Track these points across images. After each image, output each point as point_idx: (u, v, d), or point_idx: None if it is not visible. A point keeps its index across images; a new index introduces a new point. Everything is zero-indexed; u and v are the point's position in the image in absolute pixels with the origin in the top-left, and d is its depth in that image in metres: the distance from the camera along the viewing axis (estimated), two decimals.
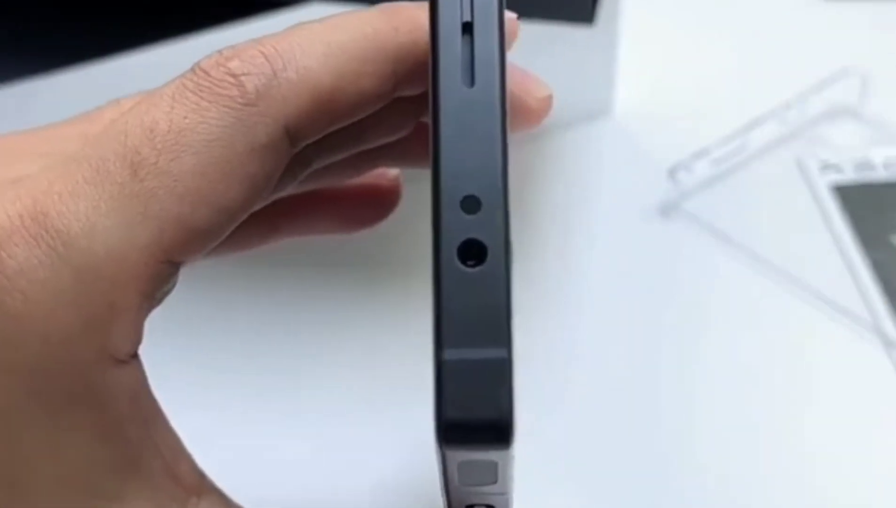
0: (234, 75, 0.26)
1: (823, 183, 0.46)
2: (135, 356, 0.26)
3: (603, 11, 0.43)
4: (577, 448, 0.37)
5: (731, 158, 0.47)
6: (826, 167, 0.47)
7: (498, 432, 0.22)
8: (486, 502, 0.25)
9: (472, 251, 0.23)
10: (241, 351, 0.42)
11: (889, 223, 0.45)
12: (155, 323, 0.27)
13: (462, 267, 0.23)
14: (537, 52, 0.41)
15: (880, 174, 0.46)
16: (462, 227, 0.23)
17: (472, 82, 0.24)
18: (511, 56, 0.32)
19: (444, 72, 0.24)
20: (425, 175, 0.31)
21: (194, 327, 0.42)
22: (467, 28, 0.24)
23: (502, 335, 0.22)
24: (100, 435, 0.26)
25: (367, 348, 0.41)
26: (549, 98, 0.29)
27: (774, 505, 0.36)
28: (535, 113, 0.29)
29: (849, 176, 0.47)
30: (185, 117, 0.25)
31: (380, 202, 0.34)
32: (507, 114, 0.24)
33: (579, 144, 0.49)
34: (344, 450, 0.38)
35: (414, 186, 0.42)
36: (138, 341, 0.26)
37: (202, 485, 0.27)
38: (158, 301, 0.27)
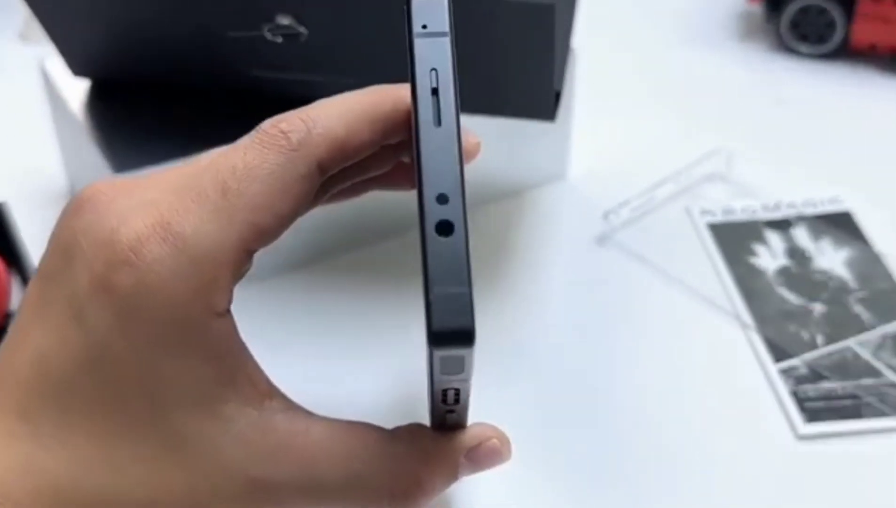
0: (283, 132, 0.29)
1: (702, 222, 0.53)
2: (228, 311, 0.30)
3: (561, 108, 0.45)
4: (527, 430, 0.39)
5: (644, 207, 0.53)
6: (704, 212, 0.53)
7: (466, 336, 0.25)
8: (455, 387, 0.29)
9: (444, 227, 0.26)
10: (302, 320, 0.47)
11: (744, 248, 0.51)
12: (241, 294, 0.30)
13: (439, 237, 0.26)
14: (514, 137, 0.51)
15: (739, 216, 0.53)
16: (438, 212, 0.26)
17: (439, 123, 0.27)
18: (495, 140, 0.39)
19: (422, 118, 0.27)
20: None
21: (271, 303, 0.47)
22: (434, 91, 0.28)
23: (465, 279, 0.26)
24: (207, 361, 0.29)
25: (378, 317, 0.47)
26: (479, 145, 0.33)
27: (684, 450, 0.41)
28: (470, 152, 0.33)
29: (719, 218, 0.53)
30: (254, 159, 0.29)
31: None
32: (461, 141, 0.27)
33: (544, 198, 0.54)
34: (358, 373, 0.44)
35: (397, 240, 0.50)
36: (230, 301, 0.30)
37: (273, 392, 0.31)
38: (242, 275, 0.30)
